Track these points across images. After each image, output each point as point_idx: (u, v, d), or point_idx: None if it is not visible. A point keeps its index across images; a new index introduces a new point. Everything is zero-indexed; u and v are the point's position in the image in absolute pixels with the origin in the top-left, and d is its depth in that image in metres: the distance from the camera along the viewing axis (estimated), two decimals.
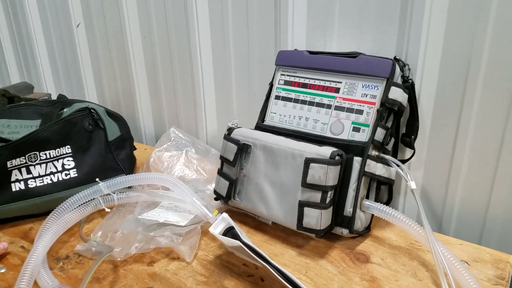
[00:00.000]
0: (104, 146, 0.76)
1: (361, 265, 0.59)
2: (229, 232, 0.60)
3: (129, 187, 0.74)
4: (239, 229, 0.60)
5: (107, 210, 0.71)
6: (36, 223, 0.72)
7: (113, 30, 1.04)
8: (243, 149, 0.66)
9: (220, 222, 0.60)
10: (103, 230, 0.67)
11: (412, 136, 0.65)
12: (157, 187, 0.77)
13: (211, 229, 0.60)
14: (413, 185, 0.59)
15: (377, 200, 0.65)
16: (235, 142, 0.66)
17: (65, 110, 0.76)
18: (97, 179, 0.69)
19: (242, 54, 0.84)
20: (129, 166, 0.80)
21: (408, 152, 0.70)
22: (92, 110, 0.75)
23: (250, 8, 0.79)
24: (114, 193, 0.72)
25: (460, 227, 0.68)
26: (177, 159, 0.81)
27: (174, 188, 0.68)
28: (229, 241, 0.58)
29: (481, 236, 0.67)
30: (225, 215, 0.61)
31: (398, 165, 0.62)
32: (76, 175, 0.73)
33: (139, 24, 0.99)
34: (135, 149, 0.89)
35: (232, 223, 0.60)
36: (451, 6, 0.59)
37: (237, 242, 0.56)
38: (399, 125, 0.67)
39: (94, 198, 0.70)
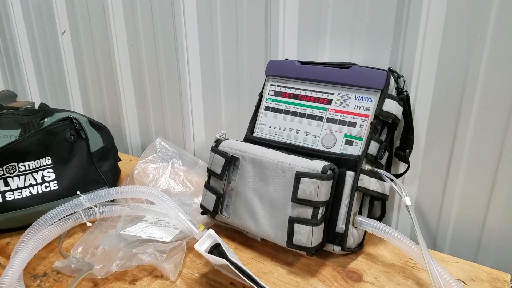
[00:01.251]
0: (86, 157, 0.73)
1: (354, 284, 0.57)
2: (216, 249, 0.58)
3: (112, 201, 0.72)
4: (226, 246, 0.57)
5: (88, 224, 0.68)
6: (14, 237, 0.70)
7: (99, 37, 1.02)
8: (231, 162, 0.64)
9: (206, 239, 0.58)
10: (83, 246, 0.65)
11: (407, 150, 0.64)
12: (141, 200, 0.75)
13: (196, 246, 0.57)
14: (407, 201, 0.58)
15: (370, 215, 0.63)
16: (223, 154, 0.64)
17: (46, 119, 0.74)
18: (78, 192, 0.67)
19: (231, 64, 0.83)
20: (112, 178, 0.78)
21: (402, 166, 0.68)
22: (74, 120, 0.73)
23: (239, 17, 0.78)
24: (96, 207, 0.69)
25: (455, 244, 0.67)
26: (163, 171, 0.79)
27: (158, 202, 0.66)
28: (215, 259, 0.56)
29: (477, 254, 0.65)
30: (211, 231, 0.59)
31: (392, 180, 0.60)
32: (56, 187, 0.70)
33: (125, 32, 0.98)
34: (120, 160, 0.87)
35: (219, 240, 0.58)
36: (447, 17, 0.58)
37: (224, 261, 0.54)
38: (393, 138, 0.65)
39: (75, 212, 0.68)
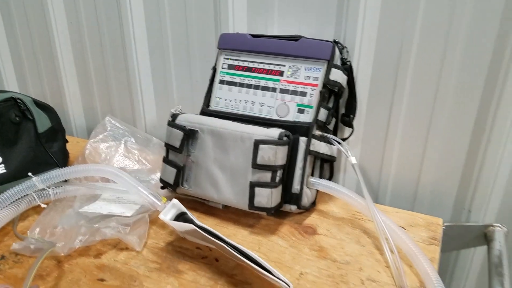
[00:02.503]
0: (34, 138, 0.72)
1: (309, 237, 0.64)
2: (181, 217, 0.62)
3: (65, 181, 0.71)
4: (191, 214, 0.61)
5: (43, 206, 0.68)
6: None
7: (34, 15, 0.98)
8: (190, 135, 0.68)
9: (170, 209, 0.62)
10: (40, 227, 0.65)
11: (351, 116, 0.72)
12: (95, 179, 0.76)
13: (161, 216, 0.61)
14: (353, 160, 0.65)
15: (320, 177, 0.70)
16: (181, 128, 0.67)
17: None
18: (29, 174, 0.66)
19: (181, 38, 0.85)
20: (63, 158, 0.78)
21: (346, 131, 0.76)
22: (18, 100, 0.71)
23: None
24: (49, 188, 0.69)
25: (394, 197, 0.76)
26: (116, 149, 0.80)
27: (116, 179, 0.68)
28: (181, 226, 0.59)
29: (413, 204, 0.75)
30: (175, 201, 0.62)
31: (339, 143, 0.68)
32: (4, 171, 0.69)
33: (64, 8, 0.95)
34: (67, 142, 0.86)
35: (184, 209, 0.62)
36: None
37: (191, 226, 0.58)
38: (339, 105, 0.72)
39: (27, 194, 0.67)
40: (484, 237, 0.69)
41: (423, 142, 0.71)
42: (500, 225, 0.68)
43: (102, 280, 0.56)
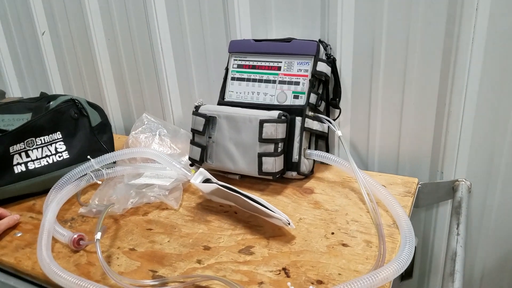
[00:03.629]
0: (89, 130, 0.94)
1: (308, 195, 0.83)
2: (207, 182, 0.82)
3: (114, 163, 0.92)
4: (215, 179, 0.81)
5: (99, 182, 0.89)
6: (37, 199, 0.89)
7: (78, 36, 1.23)
8: (210, 121, 0.88)
9: (199, 175, 0.82)
10: (99, 197, 0.85)
11: (337, 99, 0.91)
12: (138, 161, 0.96)
13: (192, 180, 0.81)
14: (339, 133, 0.84)
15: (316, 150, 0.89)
16: (203, 116, 0.87)
17: (51, 103, 0.93)
18: (88, 157, 0.87)
19: (199, 46, 1.06)
20: (112, 147, 0.99)
21: (336, 113, 0.95)
22: (76, 101, 0.93)
23: (202, 8, 1.01)
24: (103, 169, 0.90)
25: (381, 164, 0.95)
26: (152, 139, 1.00)
27: (156, 158, 0.88)
28: (208, 186, 0.79)
29: (397, 169, 0.94)
30: (202, 169, 0.82)
31: (328, 120, 0.87)
32: (68, 156, 0.91)
33: (102, 27, 1.18)
34: None
35: (208, 175, 0.82)
36: (357, 3, 0.85)
37: (215, 185, 0.77)
38: (328, 92, 0.91)
39: (86, 174, 0.88)
40: (452, 190, 0.86)
41: (399, 116, 0.90)
42: (464, 179, 0.85)
43: (150, 229, 0.77)
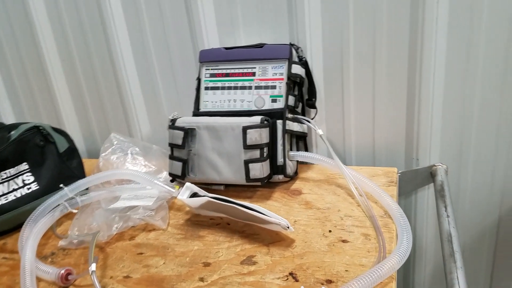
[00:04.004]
0: (57, 157, 0.88)
1: (297, 197, 0.83)
2: (194, 196, 0.80)
3: (87, 189, 0.87)
4: (203, 192, 0.79)
5: (74, 211, 0.84)
6: (7, 238, 0.82)
7: (28, 55, 1.16)
8: (189, 133, 0.86)
9: (186, 190, 0.79)
10: (77, 227, 0.80)
11: (313, 99, 0.92)
12: (112, 184, 0.92)
13: (179, 196, 0.78)
14: (320, 132, 0.86)
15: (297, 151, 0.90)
16: (181, 128, 0.85)
17: (12, 133, 0.86)
18: (61, 185, 0.82)
19: (164, 59, 1.04)
20: (82, 173, 0.93)
21: (312, 113, 0.96)
22: (41, 127, 0.87)
23: (165, 19, 0.99)
24: (77, 196, 0.85)
25: (358, 158, 0.98)
26: (124, 159, 0.96)
27: (135, 178, 0.85)
28: (197, 201, 0.77)
29: (374, 161, 0.97)
30: (188, 184, 0.80)
31: (308, 121, 0.88)
32: (37, 187, 0.85)
33: (56, 48, 1.12)
34: None
35: (196, 189, 0.80)
36: (322, 1, 0.87)
37: (206, 198, 0.76)
38: (303, 93, 0.93)
39: (59, 204, 0.83)
40: (431, 175, 0.90)
41: (371, 110, 0.93)
42: (440, 163, 0.89)
43: (141, 253, 0.73)
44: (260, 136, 0.80)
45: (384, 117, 0.92)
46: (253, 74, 0.88)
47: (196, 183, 0.86)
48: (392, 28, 0.84)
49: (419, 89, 0.87)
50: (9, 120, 1.26)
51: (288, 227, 0.69)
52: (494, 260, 0.99)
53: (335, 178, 0.89)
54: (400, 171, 0.90)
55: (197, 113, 0.91)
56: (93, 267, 0.63)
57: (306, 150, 0.96)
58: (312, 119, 0.95)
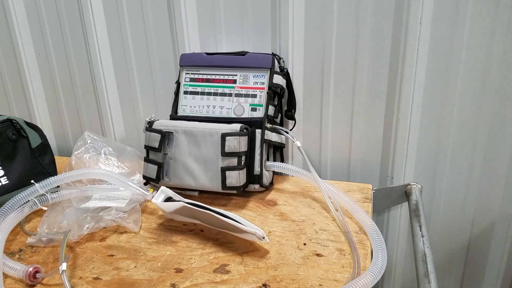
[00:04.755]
0: (29, 153, 0.89)
1: (272, 207, 0.86)
2: (168, 200, 0.82)
3: (57, 187, 0.88)
4: (179, 196, 0.81)
5: (44, 208, 0.84)
6: None
7: (2, 47, 1.15)
8: (166, 136, 0.88)
9: (160, 194, 0.81)
10: (47, 224, 0.81)
11: (293, 110, 0.96)
12: (83, 183, 0.93)
13: (153, 200, 0.80)
14: (298, 143, 0.89)
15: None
16: (158, 131, 0.87)
17: None
18: (32, 181, 0.83)
19: (143, 61, 1.05)
20: (54, 169, 0.94)
21: (290, 124, 1.00)
22: (14, 121, 0.87)
23: (146, 20, 1.01)
24: (47, 193, 0.86)
25: (333, 172, 1.02)
26: (97, 158, 0.97)
27: (109, 178, 0.86)
28: (172, 205, 0.79)
29: (348, 176, 1.01)
30: (163, 188, 0.82)
31: (286, 132, 0.92)
32: (7, 182, 0.85)
33: (32, 40, 1.12)
34: None
35: (171, 193, 0.82)
36: (306, 12, 0.91)
37: (181, 203, 0.78)
38: (282, 104, 0.96)
39: (29, 200, 0.83)
40: (405, 194, 0.95)
41: (349, 126, 0.97)
42: (415, 183, 0.94)
43: (111, 255, 0.74)
44: (238, 144, 0.83)
45: (361, 133, 0.97)
46: (234, 81, 0.92)
47: (170, 188, 0.89)
48: (374, 45, 0.89)
49: (398, 107, 0.92)
50: None
51: (264, 238, 0.72)
52: (463, 281, 1.05)
53: (310, 190, 0.92)
54: (374, 188, 0.94)
55: (174, 116, 0.94)
56: (63, 266, 0.64)
57: (282, 161, 0.99)
58: (290, 130, 0.98)
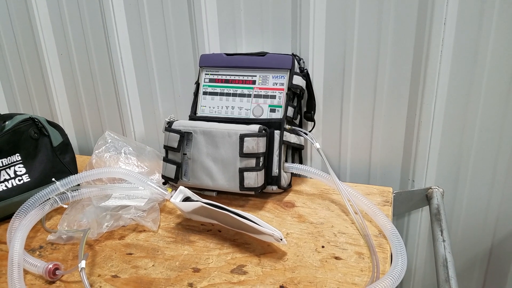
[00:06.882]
0: (50, 151, 0.91)
1: (290, 209, 0.87)
2: (187, 200, 0.83)
3: (78, 185, 0.90)
4: (197, 196, 0.82)
5: (64, 206, 0.86)
6: None
7: (26, 49, 1.18)
8: (185, 137, 0.89)
9: (179, 194, 0.83)
10: (67, 222, 0.83)
11: (312, 112, 0.96)
12: (103, 182, 0.95)
13: (172, 199, 0.81)
14: (317, 145, 0.89)
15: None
16: (177, 131, 0.88)
17: (7, 123, 0.89)
18: (53, 179, 0.85)
19: (163, 61, 1.07)
20: (75, 168, 0.96)
21: (309, 125, 1.00)
22: (36, 120, 0.90)
23: (167, 21, 1.03)
24: (67, 191, 0.88)
25: (353, 175, 1.01)
26: (117, 157, 0.99)
27: (129, 177, 0.88)
28: (190, 205, 0.80)
29: (369, 179, 1.00)
30: (182, 187, 0.83)
31: (305, 133, 0.92)
32: (28, 179, 0.87)
33: (54, 41, 1.15)
34: None
35: (189, 193, 0.83)
36: (328, 13, 0.91)
37: (199, 203, 0.79)
38: (301, 105, 0.97)
39: (50, 198, 0.85)
40: (426, 198, 0.94)
41: (370, 128, 0.97)
42: (437, 186, 0.93)
43: (130, 254, 0.76)
44: (257, 145, 0.84)
45: (382, 136, 0.97)
46: (253, 82, 0.92)
47: (188, 188, 0.90)
48: (397, 46, 0.89)
49: (420, 110, 0.91)
50: (1, 111, 1.29)
51: (281, 239, 0.72)
52: (484, 287, 1.04)
53: (329, 193, 0.92)
54: (395, 191, 0.94)
55: (193, 117, 0.95)
56: (82, 264, 0.65)
57: (301, 162, 1.00)
58: (309, 131, 0.99)
